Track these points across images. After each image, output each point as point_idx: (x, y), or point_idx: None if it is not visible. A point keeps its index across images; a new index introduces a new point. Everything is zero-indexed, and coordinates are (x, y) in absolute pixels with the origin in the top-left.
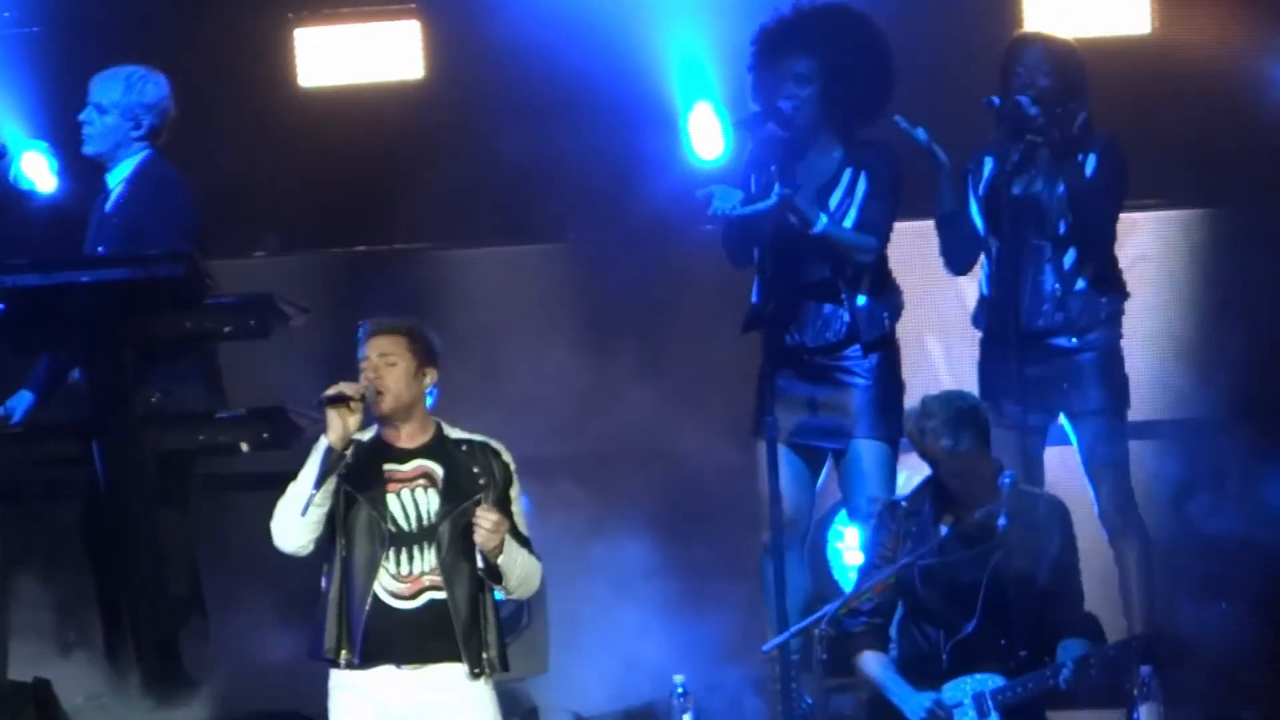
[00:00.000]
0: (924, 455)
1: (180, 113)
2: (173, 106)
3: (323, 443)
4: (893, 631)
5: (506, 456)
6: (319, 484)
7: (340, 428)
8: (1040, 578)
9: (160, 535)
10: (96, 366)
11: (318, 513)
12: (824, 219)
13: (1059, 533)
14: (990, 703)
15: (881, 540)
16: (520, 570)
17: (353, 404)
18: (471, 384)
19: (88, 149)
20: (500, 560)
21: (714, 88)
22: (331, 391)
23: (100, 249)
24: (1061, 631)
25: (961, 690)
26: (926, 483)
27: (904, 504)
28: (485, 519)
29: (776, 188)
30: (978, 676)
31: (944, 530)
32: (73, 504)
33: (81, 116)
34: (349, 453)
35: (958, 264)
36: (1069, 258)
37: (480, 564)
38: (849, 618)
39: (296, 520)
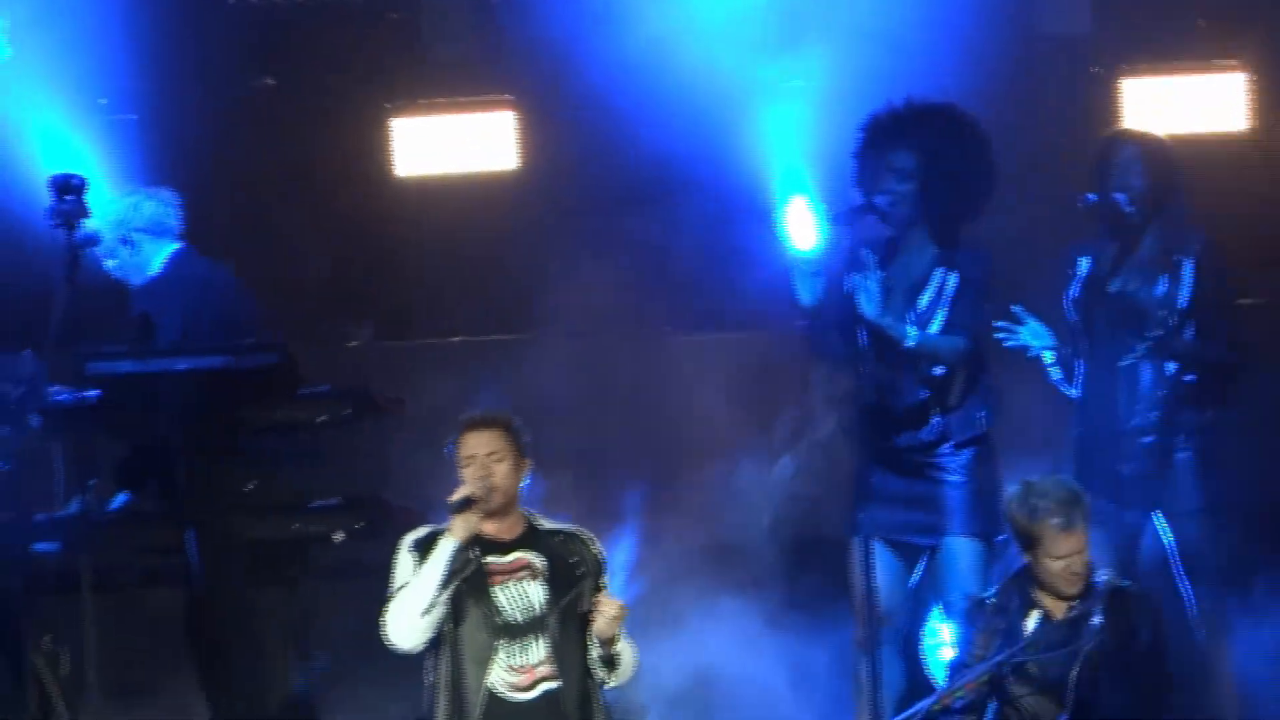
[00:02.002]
0: (1027, 535)
1: (277, 200)
2: (150, 202)
3: (448, 544)
4: None
5: (597, 546)
6: (446, 585)
7: (465, 529)
8: (1131, 669)
9: (254, 622)
10: (190, 454)
11: (439, 612)
12: (913, 332)
13: (1147, 624)
14: None
15: (970, 638)
16: (627, 657)
17: (478, 505)
18: (559, 476)
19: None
20: (615, 648)
21: (810, 181)
22: (461, 495)
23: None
24: None
25: None
26: (1013, 577)
27: (991, 600)
28: (610, 606)
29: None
30: None
31: (1032, 625)
32: (168, 592)
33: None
34: (474, 553)
35: (1072, 382)
36: (1170, 361)
37: (597, 652)
38: (942, 715)
39: (418, 620)
